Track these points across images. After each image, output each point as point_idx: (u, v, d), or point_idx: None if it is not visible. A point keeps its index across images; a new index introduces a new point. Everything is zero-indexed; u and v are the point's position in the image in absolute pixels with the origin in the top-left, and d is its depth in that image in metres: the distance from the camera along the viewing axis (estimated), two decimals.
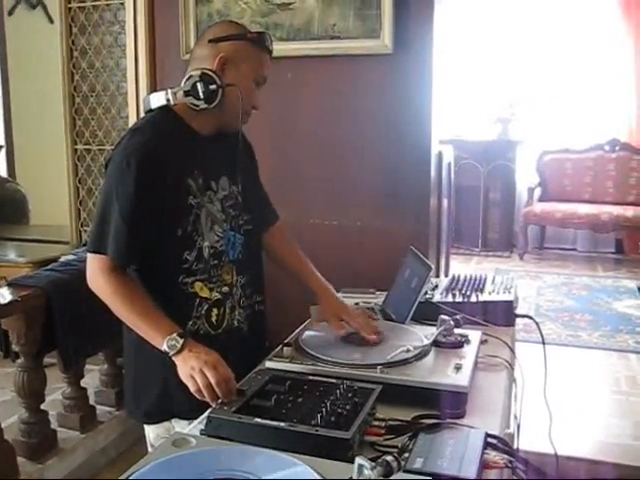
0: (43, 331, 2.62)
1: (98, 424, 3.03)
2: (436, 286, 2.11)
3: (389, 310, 1.96)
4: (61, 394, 2.98)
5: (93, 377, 3.19)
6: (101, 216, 1.57)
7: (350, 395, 1.34)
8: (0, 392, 2.50)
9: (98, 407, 3.11)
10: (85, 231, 3.47)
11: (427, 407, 1.37)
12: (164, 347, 1.45)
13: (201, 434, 1.28)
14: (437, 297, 2.00)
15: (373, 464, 1.02)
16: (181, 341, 1.44)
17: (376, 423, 1.31)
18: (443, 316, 1.65)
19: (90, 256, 1.57)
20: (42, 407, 2.78)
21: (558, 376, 3.25)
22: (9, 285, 2.64)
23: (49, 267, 2.89)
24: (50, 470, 2.70)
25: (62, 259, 3.08)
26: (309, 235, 2.58)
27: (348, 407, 1.29)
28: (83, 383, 3.01)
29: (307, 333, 1.72)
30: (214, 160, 1.68)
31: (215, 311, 1.64)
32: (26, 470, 2.62)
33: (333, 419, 1.25)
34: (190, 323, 1.61)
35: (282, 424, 1.22)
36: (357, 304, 2.03)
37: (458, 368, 1.46)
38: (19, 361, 2.67)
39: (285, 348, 1.59)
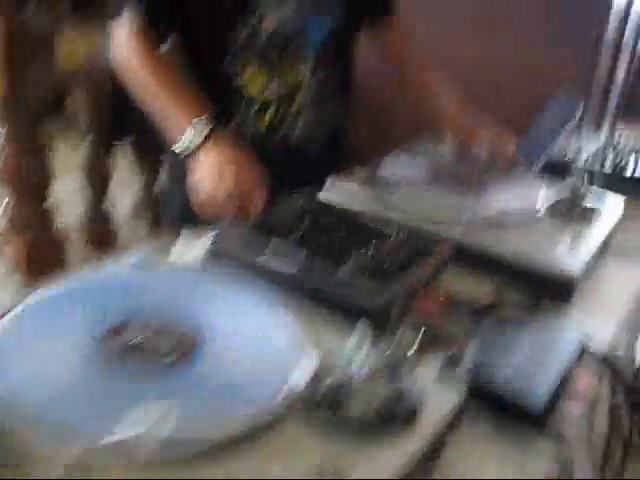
0: None
1: None
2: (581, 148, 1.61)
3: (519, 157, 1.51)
4: None
5: None
6: None
7: (407, 248, 0.96)
8: None
9: None
10: None
11: (517, 292, 0.97)
12: (184, 136, 1.09)
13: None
14: (582, 160, 1.52)
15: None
16: (208, 128, 1.08)
17: (433, 295, 0.93)
18: (573, 178, 1.19)
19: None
20: None
21: None
22: None
23: None
24: None
25: None
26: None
27: (397, 262, 0.91)
28: None
29: (390, 160, 1.32)
30: None
31: (269, 112, 1.27)
32: None
33: (367, 273, 0.88)
34: (234, 123, 1.25)
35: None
36: None
37: (574, 247, 1.02)
38: None
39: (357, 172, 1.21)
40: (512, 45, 2.35)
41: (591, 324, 0.93)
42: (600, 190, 1.20)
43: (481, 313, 0.90)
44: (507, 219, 1.09)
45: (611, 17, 2.43)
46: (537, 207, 1.14)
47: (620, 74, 2.67)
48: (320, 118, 1.32)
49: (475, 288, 0.96)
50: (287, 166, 1.25)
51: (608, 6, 2.41)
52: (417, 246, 0.96)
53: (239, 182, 1.01)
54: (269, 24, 1.20)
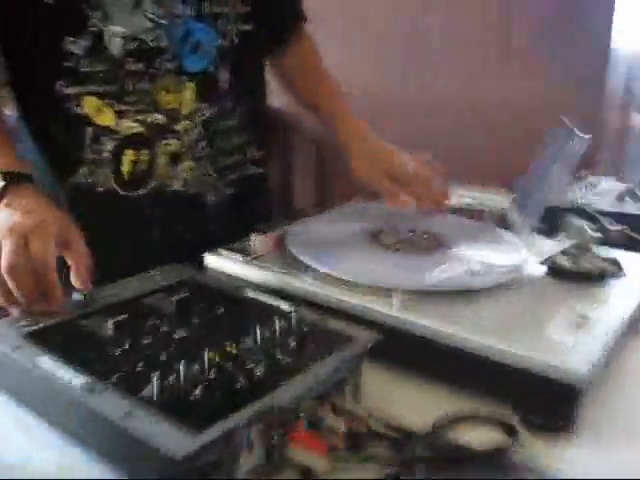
0: None
1: None
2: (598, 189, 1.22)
3: (512, 217, 1.13)
4: None
5: None
6: None
7: (293, 339, 0.58)
8: None
9: None
10: None
11: (486, 401, 0.58)
12: None
13: None
14: (598, 203, 1.13)
15: None
16: (0, 184, 0.72)
17: (332, 422, 0.53)
18: (574, 219, 0.81)
19: None
20: None
21: None
22: None
23: None
24: None
25: None
26: (424, 108, 1.77)
27: (271, 364, 0.54)
28: None
29: (314, 220, 0.95)
30: None
31: (130, 155, 0.89)
32: None
33: (200, 392, 0.50)
34: (82, 171, 0.88)
35: (75, 382, 0.50)
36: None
37: (581, 326, 0.62)
38: None
39: (256, 237, 0.84)
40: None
41: (613, 460, 0.53)
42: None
43: (410, 453, 0.50)
44: (473, 284, 0.70)
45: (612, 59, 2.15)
46: (522, 262, 0.75)
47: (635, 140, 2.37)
48: (214, 162, 0.95)
49: (405, 405, 0.57)
50: (163, 229, 0.92)
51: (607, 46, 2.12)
52: (318, 331, 0.59)
53: (33, 257, 0.63)
54: (117, 34, 0.84)
